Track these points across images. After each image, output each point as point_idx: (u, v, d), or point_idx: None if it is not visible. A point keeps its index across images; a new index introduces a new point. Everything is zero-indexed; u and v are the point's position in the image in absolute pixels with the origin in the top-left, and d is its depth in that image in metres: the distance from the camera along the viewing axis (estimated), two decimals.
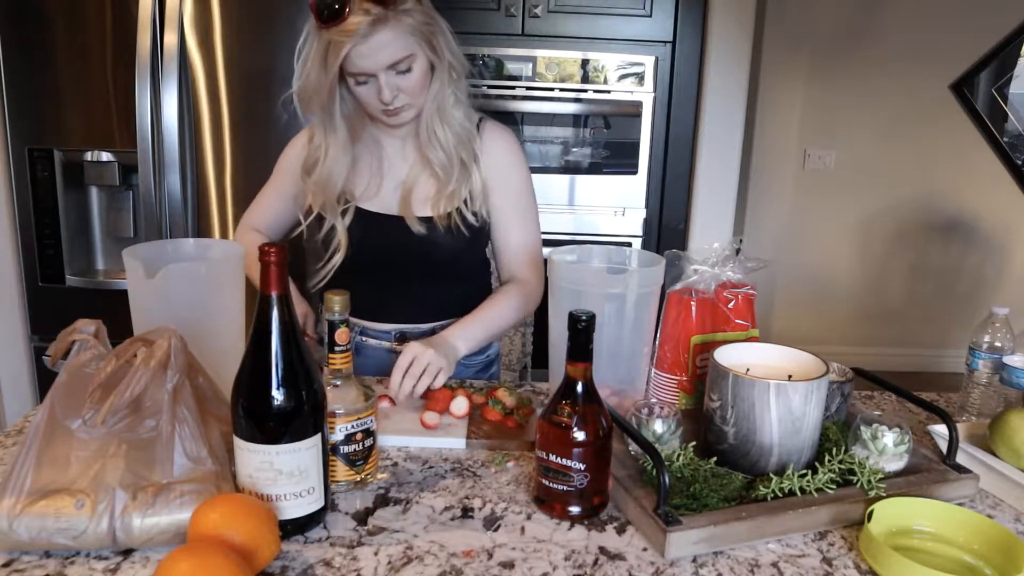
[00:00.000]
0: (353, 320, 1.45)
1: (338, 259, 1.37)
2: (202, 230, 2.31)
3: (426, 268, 1.42)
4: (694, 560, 0.86)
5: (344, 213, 1.37)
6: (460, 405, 1.20)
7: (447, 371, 1.21)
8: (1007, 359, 1.21)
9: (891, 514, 0.91)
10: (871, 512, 0.89)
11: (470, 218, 1.38)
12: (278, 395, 0.84)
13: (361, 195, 1.40)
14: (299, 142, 1.46)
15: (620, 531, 0.91)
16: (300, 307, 1.38)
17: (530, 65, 2.52)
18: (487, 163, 1.40)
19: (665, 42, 2.57)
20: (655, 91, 2.59)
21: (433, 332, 1.45)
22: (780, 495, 0.93)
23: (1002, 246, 3.94)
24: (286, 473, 0.85)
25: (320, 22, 1.18)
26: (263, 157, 2.29)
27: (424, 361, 1.18)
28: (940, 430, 1.09)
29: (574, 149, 2.63)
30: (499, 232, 1.45)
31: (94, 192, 2.37)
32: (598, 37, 2.55)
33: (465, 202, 1.38)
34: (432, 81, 1.30)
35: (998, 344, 1.25)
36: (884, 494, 0.94)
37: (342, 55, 1.19)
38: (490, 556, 0.86)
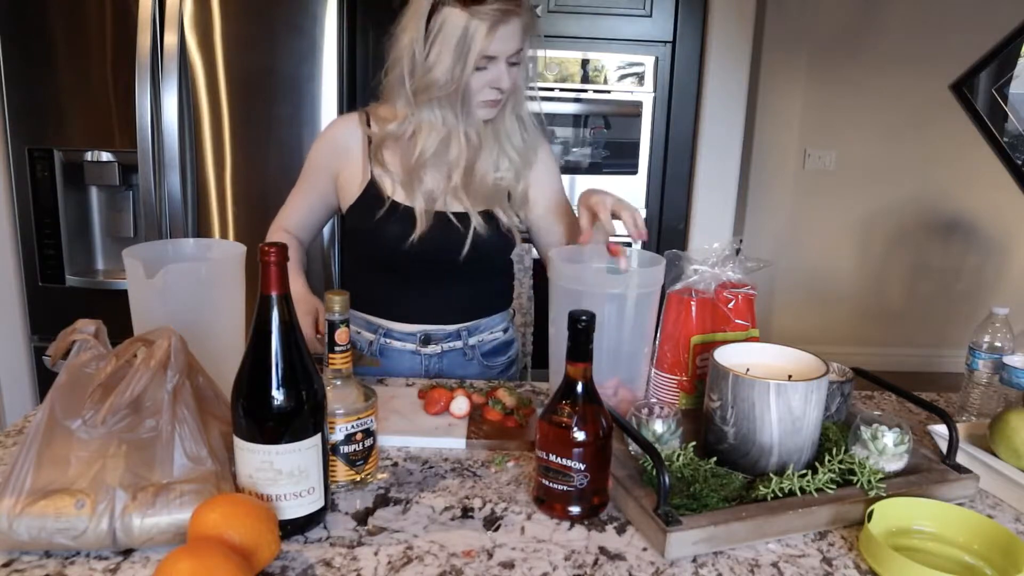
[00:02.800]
0: (376, 322, 1.46)
1: (410, 242, 1.34)
2: (202, 230, 2.31)
3: (467, 266, 1.40)
4: (694, 560, 0.86)
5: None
6: (460, 405, 1.20)
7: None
8: (1007, 359, 1.21)
9: (891, 514, 0.91)
10: (871, 512, 0.89)
11: (515, 219, 1.42)
12: (278, 395, 0.84)
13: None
14: (341, 132, 1.42)
15: (620, 531, 0.91)
16: (310, 302, 1.36)
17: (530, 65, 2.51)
18: (536, 168, 1.45)
19: (665, 42, 2.57)
20: (655, 91, 2.59)
21: (458, 334, 1.47)
22: (780, 495, 0.93)
23: (1002, 246, 3.94)
24: (286, 473, 0.85)
25: (463, 5, 1.23)
26: (263, 157, 2.30)
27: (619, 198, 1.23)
28: (940, 430, 1.09)
29: (574, 149, 2.63)
30: (549, 236, 1.48)
31: (94, 192, 2.37)
32: (598, 37, 2.55)
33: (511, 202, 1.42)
34: (517, 81, 1.34)
35: (998, 344, 1.25)
36: (884, 494, 0.94)
37: (485, 34, 1.23)
38: (490, 556, 0.86)
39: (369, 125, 1.39)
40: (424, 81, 1.28)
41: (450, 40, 1.24)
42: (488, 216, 1.39)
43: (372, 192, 1.37)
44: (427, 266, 1.40)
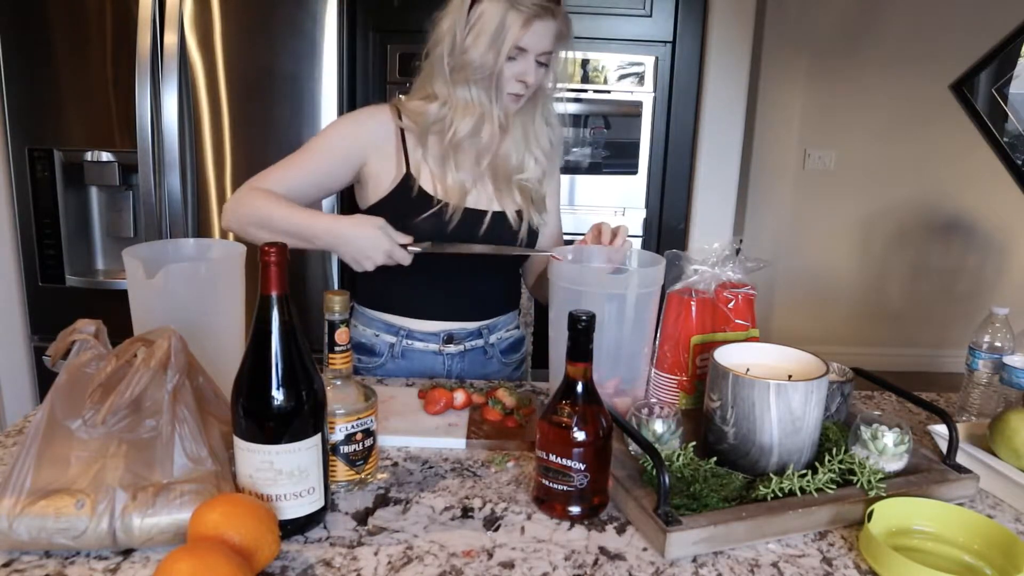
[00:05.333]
0: (397, 323, 1.46)
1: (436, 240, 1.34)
2: (202, 230, 2.31)
3: (493, 264, 1.43)
4: (694, 560, 0.86)
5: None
6: (458, 397, 1.22)
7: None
8: (1007, 359, 1.21)
9: (891, 514, 0.91)
10: (871, 512, 0.89)
11: (539, 219, 1.45)
12: (278, 395, 0.84)
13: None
14: (372, 123, 1.40)
15: (620, 531, 0.91)
16: (368, 218, 1.29)
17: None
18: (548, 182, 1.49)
19: (665, 42, 2.57)
20: (655, 91, 2.59)
21: (479, 332, 1.48)
22: (780, 495, 0.93)
23: (1002, 246, 3.94)
24: (286, 473, 0.85)
25: None
26: (263, 157, 2.28)
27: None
28: (940, 430, 1.09)
29: (574, 149, 2.63)
30: (546, 229, 1.50)
31: (94, 192, 2.37)
32: (598, 37, 2.55)
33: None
34: (542, 83, 1.38)
35: (998, 344, 1.25)
36: (884, 494, 0.94)
37: (521, 25, 1.27)
38: (490, 556, 0.86)
39: (400, 119, 1.39)
40: (461, 60, 1.31)
41: (488, 26, 1.27)
42: (518, 212, 1.42)
43: (407, 186, 1.37)
44: (455, 263, 1.40)
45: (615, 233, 1.28)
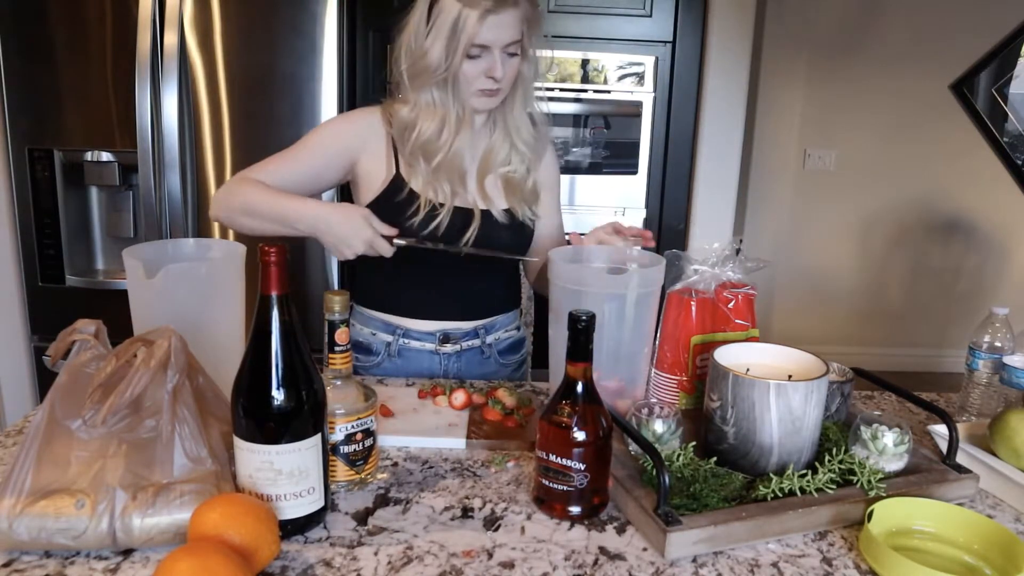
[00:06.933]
0: (394, 322, 1.46)
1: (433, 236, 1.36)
2: (202, 230, 2.31)
3: (488, 263, 1.42)
4: (694, 560, 0.86)
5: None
6: (458, 397, 1.22)
7: None
8: (1007, 359, 1.21)
9: (891, 514, 0.91)
10: (871, 512, 0.89)
11: (530, 214, 1.45)
12: (278, 395, 0.84)
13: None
14: (364, 123, 1.41)
15: (620, 531, 0.91)
16: (355, 207, 1.30)
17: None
18: (542, 163, 1.49)
19: (665, 42, 2.57)
20: (655, 91, 2.59)
21: (476, 332, 1.47)
22: (780, 495, 0.93)
23: (1002, 246, 3.94)
24: (286, 473, 0.85)
25: None
26: (263, 157, 2.28)
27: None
28: (940, 430, 1.09)
29: (574, 149, 2.63)
30: (544, 229, 1.51)
31: (94, 192, 2.37)
32: (598, 37, 2.55)
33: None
34: (521, 73, 1.36)
35: (998, 344, 1.25)
36: (884, 494, 0.94)
37: (475, 22, 1.25)
38: (490, 556, 0.86)
39: (391, 125, 1.40)
40: (419, 66, 1.32)
41: (444, 28, 1.27)
42: (506, 210, 1.42)
43: (396, 187, 1.38)
44: (451, 262, 1.40)
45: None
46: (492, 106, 1.37)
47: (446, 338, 1.46)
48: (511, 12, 1.27)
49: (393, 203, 1.37)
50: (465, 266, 1.40)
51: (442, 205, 1.36)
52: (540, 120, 1.45)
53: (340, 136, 1.42)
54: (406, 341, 1.46)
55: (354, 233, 1.23)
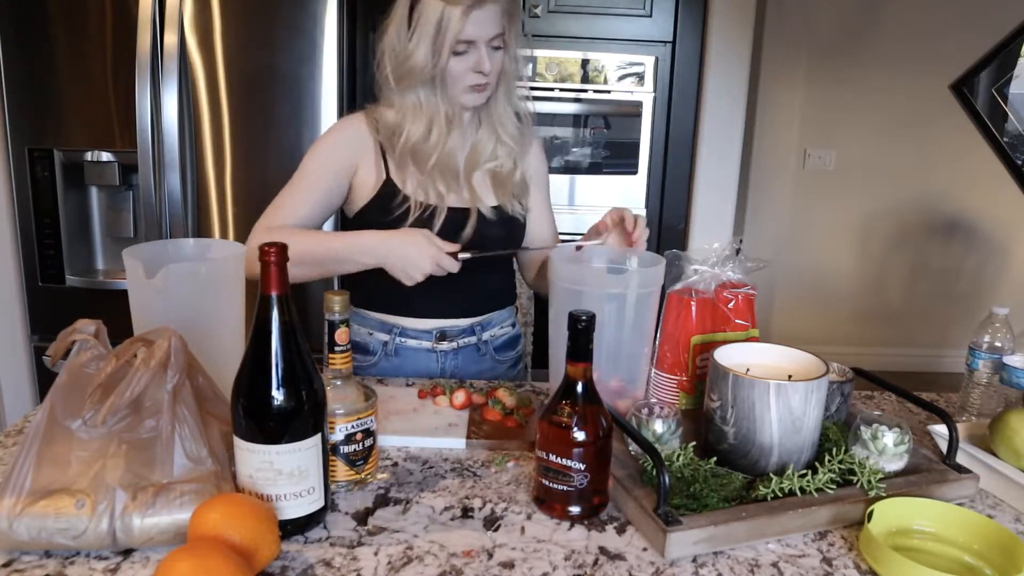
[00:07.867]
0: (390, 321, 1.46)
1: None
2: (202, 230, 2.31)
3: (483, 261, 1.42)
4: (694, 560, 0.86)
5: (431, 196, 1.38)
6: (458, 397, 1.22)
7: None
8: (1007, 359, 1.21)
9: (891, 514, 0.91)
10: (871, 512, 0.89)
11: (520, 208, 1.45)
12: (278, 395, 0.84)
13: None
14: (352, 132, 1.41)
15: (620, 531, 0.91)
16: (414, 231, 1.31)
17: (530, 65, 2.52)
18: (529, 157, 1.50)
19: (665, 42, 2.57)
20: (655, 91, 2.59)
21: (472, 329, 1.48)
22: (780, 495, 0.93)
23: (1002, 246, 3.94)
24: (286, 473, 0.85)
25: None
26: (263, 157, 2.30)
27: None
28: (940, 430, 1.09)
29: (574, 149, 2.63)
30: (535, 225, 1.51)
31: (94, 192, 2.37)
32: (598, 37, 2.55)
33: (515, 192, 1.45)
34: (504, 67, 1.37)
35: (998, 344, 1.25)
36: (884, 494, 0.94)
37: (459, 19, 1.26)
38: (490, 556, 0.86)
39: (378, 131, 1.40)
40: (404, 68, 1.32)
41: (427, 27, 1.28)
42: (495, 207, 1.42)
43: (388, 191, 1.38)
44: None
45: (635, 223, 1.29)
46: (481, 101, 1.37)
47: (442, 335, 1.46)
48: (492, 6, 1.28)
49: (386, 207, 1.37)
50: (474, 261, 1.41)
51: (435, 206, 1.36)
52: (524, 112, 1.45)
53: (337, 151, 1.41)
54: (403, 340, 1.46)
55: (420, 254, 1.24)
